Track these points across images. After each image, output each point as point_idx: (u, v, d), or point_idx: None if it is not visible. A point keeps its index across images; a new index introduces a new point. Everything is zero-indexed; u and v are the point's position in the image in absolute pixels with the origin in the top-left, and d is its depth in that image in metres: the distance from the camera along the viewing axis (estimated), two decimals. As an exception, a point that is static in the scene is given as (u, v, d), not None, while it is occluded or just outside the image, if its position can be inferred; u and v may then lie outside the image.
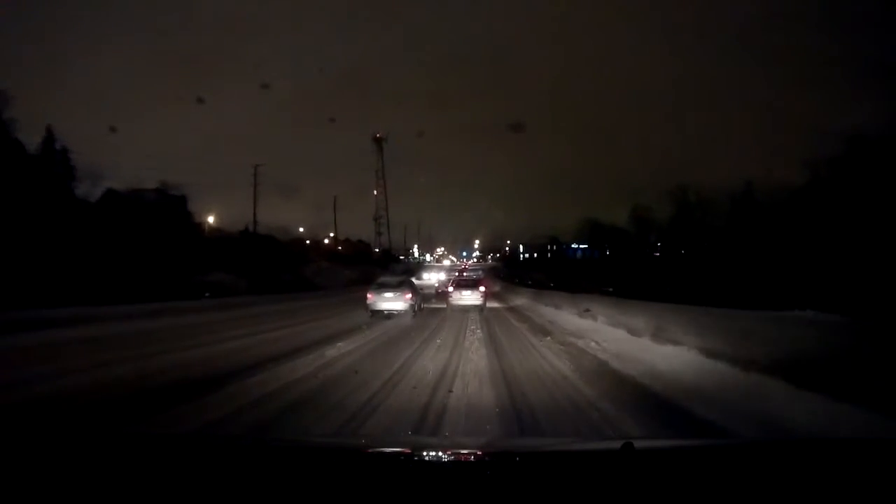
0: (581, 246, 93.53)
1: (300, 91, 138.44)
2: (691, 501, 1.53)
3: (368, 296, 18.03)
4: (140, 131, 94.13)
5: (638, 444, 1.70)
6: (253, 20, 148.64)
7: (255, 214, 49.28)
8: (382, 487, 1.55)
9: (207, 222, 47.09)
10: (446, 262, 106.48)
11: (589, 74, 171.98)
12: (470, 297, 22.07)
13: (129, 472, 1.64)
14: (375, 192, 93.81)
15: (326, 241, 73.25)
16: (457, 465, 1.91)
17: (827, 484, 1.57)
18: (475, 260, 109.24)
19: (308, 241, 67.31)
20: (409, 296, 18.11)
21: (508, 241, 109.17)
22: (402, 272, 30.81)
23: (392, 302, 17.72)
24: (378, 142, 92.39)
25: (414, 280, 23.70)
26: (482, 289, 22.83)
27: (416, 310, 18.67)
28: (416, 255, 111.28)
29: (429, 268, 47.17)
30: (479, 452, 2.21)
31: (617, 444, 1.68)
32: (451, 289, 23.23)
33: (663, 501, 1.52)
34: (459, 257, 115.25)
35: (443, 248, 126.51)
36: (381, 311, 17.46)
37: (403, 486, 1.55)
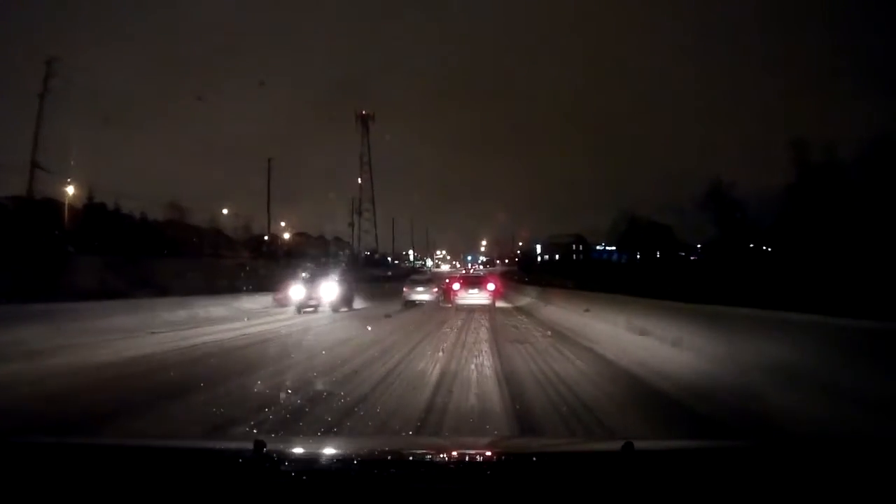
0: (608, 248, 77.55)
1: (298, 95, 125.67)
2: (691, 502, 1.53)
3: (404, 289, 24.78)
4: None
5: (638, 444, 1.68)
6: (252, 24, 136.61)
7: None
8: (382, 489, 1.54)
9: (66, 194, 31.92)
10: (445, 268, 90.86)
11: (599, 72, 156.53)
12: (477, 296, 20.66)
13: (127, 481, 1.64)
14: (360, 181, 78.83)
15: (287, 234, 57.63)
16: (456, 465, 1.87)
17: (828, 484, 1.55)
18: (481, 265, 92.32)
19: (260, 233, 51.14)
20: (435, 290, 24.74)
21: (521, 243, 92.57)
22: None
23: (422, 295, 23.99)
24: (363, 120, 77.34)
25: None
26: (491, 287, 21.32)
27: (440, 300, 23.44)
28: (412, 258, 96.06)
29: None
30: (478, 453, 2.17)
31: (617, 445, 1.66)
32: (456, 286, 21.68)
33: (663, 502, 1.52)
34: (464, 262, 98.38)
35: (444, 252, 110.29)
36: (414, 301, 23.33)
37: (403, 488, 1.55)
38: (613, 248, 75.42)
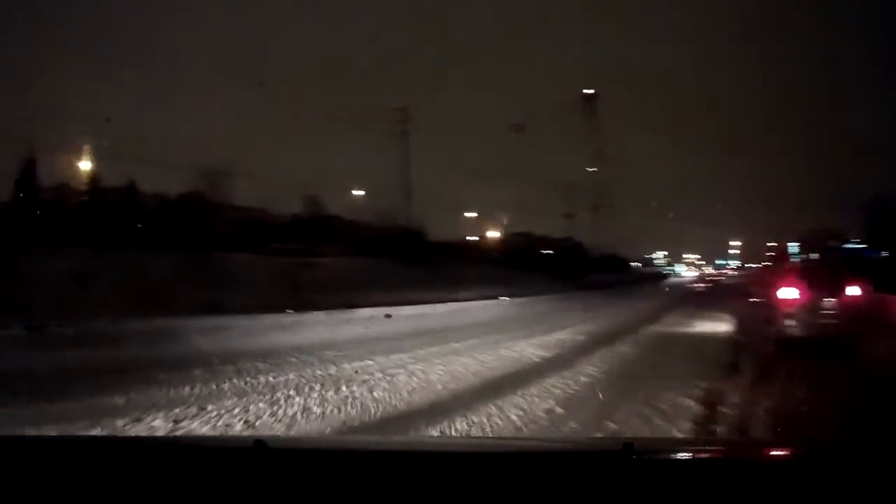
0: (859, 244, 68.23)
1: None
2: (692, 503, 1.46)
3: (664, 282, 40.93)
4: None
5: (638, 444, 1.64)
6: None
7: None
8: (382, 488, 1.50)
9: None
10: (689, 274, 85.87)
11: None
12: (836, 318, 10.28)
13: (128, 479, 1.58)
14: (594, 170, 64.02)
15: (498, 233, 51.24)
16: (456, 465, 1.77)
17: (828, 485, 1.48)
18: (734, 269, 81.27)
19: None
20: (705, 284, 33.19)
21: (776, 244, 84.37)
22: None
23: (697, 286, 31.76)
24: (589, 99, 62.47)
25: None
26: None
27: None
28: (659, 260, 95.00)
29: None
30: (478, 453, 2.15)
31: (617, 445, 1.61)
32: (792, 293, 10.79)
33: (664, 503, 1.45)
34: (715, 266, 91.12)
35: (696, 256, 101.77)
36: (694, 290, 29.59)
37: (403, 487, 1.50)
38: (863, 244, 66.21)
